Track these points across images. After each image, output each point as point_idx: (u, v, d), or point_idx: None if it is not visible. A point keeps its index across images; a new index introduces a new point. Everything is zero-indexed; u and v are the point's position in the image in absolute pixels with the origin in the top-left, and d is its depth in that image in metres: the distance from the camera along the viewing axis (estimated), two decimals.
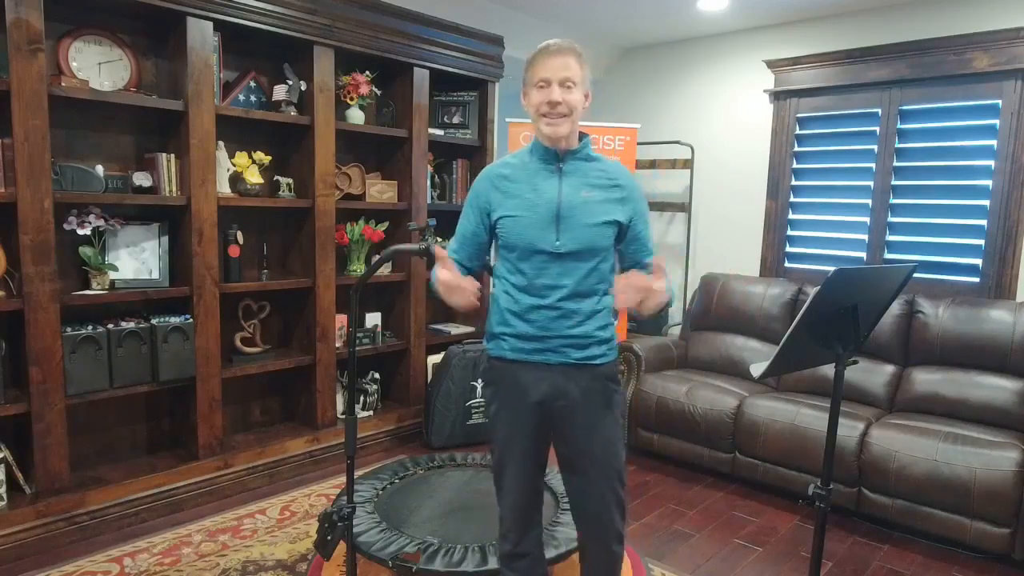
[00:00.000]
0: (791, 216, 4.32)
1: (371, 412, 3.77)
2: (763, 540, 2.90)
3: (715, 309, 4.07)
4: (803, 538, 2.91)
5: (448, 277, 1.65)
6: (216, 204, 2.97)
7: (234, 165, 3.15)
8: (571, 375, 1.74)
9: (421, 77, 3.72)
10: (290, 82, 3.23)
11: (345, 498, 2.20)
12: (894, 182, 3.86)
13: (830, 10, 4.03)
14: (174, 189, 2.89)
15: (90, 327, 2.68)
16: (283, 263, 3.53)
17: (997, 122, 3.54)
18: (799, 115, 4.23)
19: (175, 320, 2.88)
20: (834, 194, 4.13)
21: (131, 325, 2.79)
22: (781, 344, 1.61)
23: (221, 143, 3.08)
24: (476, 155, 4.18)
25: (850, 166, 4.04)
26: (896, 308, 3.44)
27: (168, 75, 2.96)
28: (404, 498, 2.69)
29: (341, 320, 3.55)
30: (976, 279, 3.63)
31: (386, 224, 3.74)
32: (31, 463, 2.60)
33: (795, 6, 3.98)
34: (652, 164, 4.80)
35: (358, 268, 3.64)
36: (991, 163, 3.56)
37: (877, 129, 3.92)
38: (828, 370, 2.37)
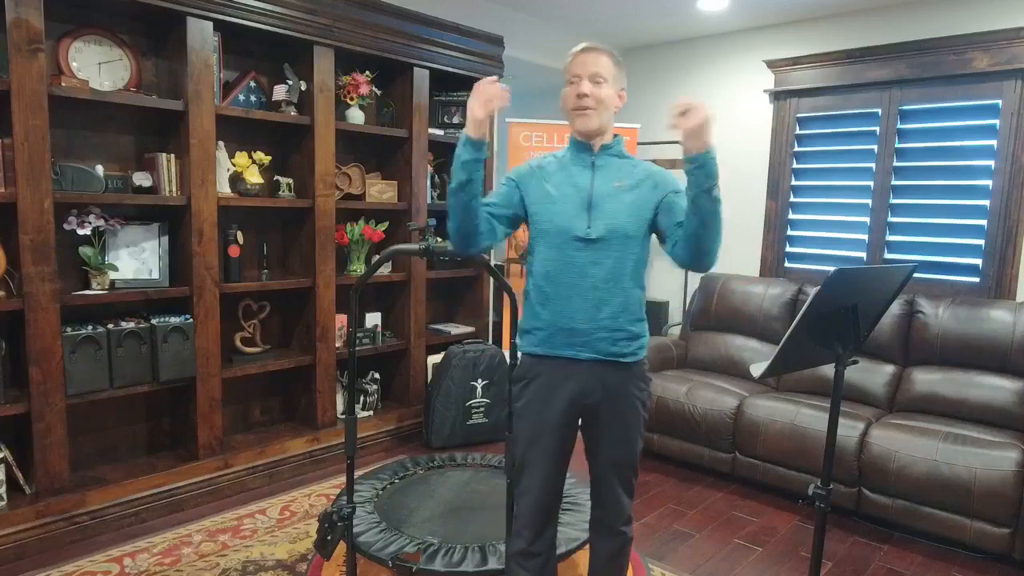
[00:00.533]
0: (791, 216, 4.32)
1: (371, 412, 3.77)
2: (763, 540, 2.90)
3: (715, 309, 4.07)
4: (803, 538, 2.91)
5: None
6: (216, 204, 2.97)
7: (234, 165, 3.15)
8: (600, 373, 1.76)
9: (421, 77, 3.72)
10: (290, 82, 3.23)
11: (345, 498, 2.20)
12: (894, 182, 3.87)
13: (830, 10, 4.03)
14: (174, 189, 2.89)
15: (90, 327, 2.68)
16: (283, 263, 3.53)
17: (997, 122, 3.55)
18: (799, 115, 4.23)
19: (175, 320, 2.88)
20: (834, 194, 4.13)
21: (131, 325, 2.79)
22: (781, 344, 1.61)
23: (221, 143, 3.08)
24: None
25: (850, 166, 4.04)
26: (896, 308, 3.44)
27: (168, 75, 2.96)
28: (404, 498, 2.70)
29: (341, 320, 3.55)
30: (976, 279, 3.63)
31: (386, 224, 3.74)
32: (31, 463, 2.60)
33: (795, 6, 3.98)
34: (652, 163, 4.79)
35: (358, 268, 3.64)
36: (991, 163, 3.56)
37: (877, 129, 3.92)
38: (828, 370, 2.37)
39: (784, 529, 3.01)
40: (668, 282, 4.90)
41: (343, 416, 3.58)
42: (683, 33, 4.65)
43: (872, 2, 3.85)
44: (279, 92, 3.23)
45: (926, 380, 3.29)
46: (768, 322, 3.84)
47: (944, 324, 3.29)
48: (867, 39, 3.94)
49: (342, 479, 3.28)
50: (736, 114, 4.55)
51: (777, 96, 4.32)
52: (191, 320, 2.93)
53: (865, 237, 3.98)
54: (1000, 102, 3.53)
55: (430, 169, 3.96)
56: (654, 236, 1.81)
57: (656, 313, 4.78)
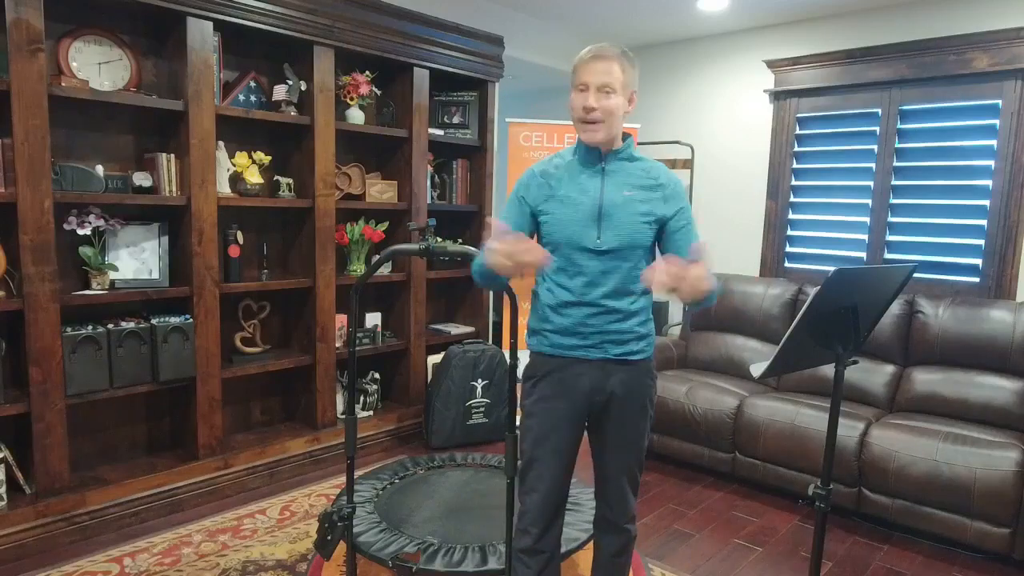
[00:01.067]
0: (791, 216, 4.32)
1: (371, 412, 3.77)
2: (763, 540, 2.90)
3: (715, 309, 4.07)
4: (803, 538, 2.91)
5: (505, 245, 1.51)
6: (216, 204, 2.97)
7: (234, 165, 3.15)
8: (610, 371, 1.78)
9: (421, 77, 3.72)
10: (290, 82, 3.23)
11: (345, 498, 2.20)
12: (894, 182, 3.86)
13: (830, 10, 4.03)
14: (174, 189, 2.89)
15: (90, 327, 2.68)
16: (283, 263, 3.53)
17: (997, 122, 3.54)
18: (799, 115, 4.23)
19: (175, 320, 2.88)
20: (834, 194, 4.13)
21: (131, 325, 2.79)
22: (781, 344, 1.61)
23: (221, 143, 3.08)
24: (476, 155, 4.18)
25: (850, 166, 4.04)
26: (896, 308, 3.44)
27: (168, 75, 2.96)
28: (404, 498, 2.70)
29: (341, 320, 3.55)
30: (976, 279, 3.63)
31: (386, 224, 3.74)
32: (31, 463, 2.60)
33: (795, 6, 3.98)
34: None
35: (358, 268, 3.64)
36: (991, 163, 3.56)
37: (877, 129, 3.92)
38: (828, 370, 2.37)
39: (784, 529, 3.01)
40: None
41: (343, 416, 3.58)
42: (683, 33, 4.65)
43: (872, 2, 3.85)
44: (279, 92, 3.23)
45: (926, 380, 3.29)
46: (768, 322, 3.84)
47: (944, 324, 3.29)
48: (867, 39, 3.94)
49: (342, 479, 3.28)
50: (736, 114, 4.56)
51: (777, 96, 4.32)
52: (191, 320, 2.93)
53: (865, 237, 3.98)
54: (1000, 102, 3.53)
55: (430, 169, 3.96)
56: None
57: (656, 313, 4.75)
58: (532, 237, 1.84)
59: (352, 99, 3.53)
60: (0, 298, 2.49)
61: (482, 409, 3.84)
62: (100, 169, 2.72)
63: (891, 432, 2.95)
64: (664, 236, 1.79)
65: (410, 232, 3.55)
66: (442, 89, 4.05)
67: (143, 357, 2.81)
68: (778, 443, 3.19)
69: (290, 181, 3.37)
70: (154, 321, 2.84)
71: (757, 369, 1.67)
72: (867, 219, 3.97)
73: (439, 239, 3.56)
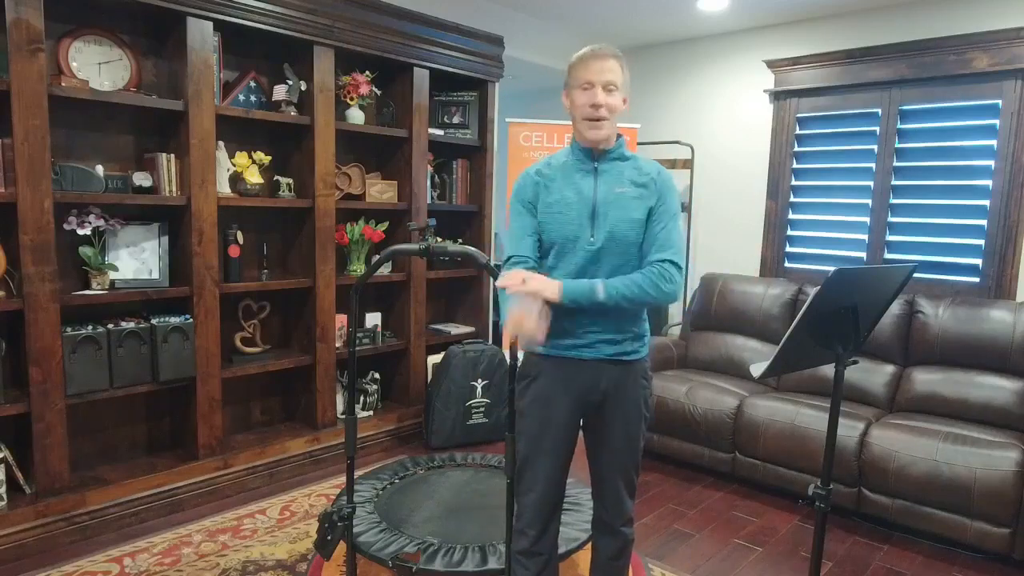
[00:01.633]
0: (791, 216, 4.32)
1: (371, 412, 3.77)
2: (763, 540, 2.90)
3: (715, 309, 4.07)
4: (803, 538, 2.91)
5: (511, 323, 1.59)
6: (216, 204, 2.97)
7: (234, 165, 3.15)
8: (605, 371, 1.78)
9: (421, 77, 3.72)
10: (290, 82, 3.23)
11: (345, 498, 2.20)
12: (894, 182, 3.87)
13: (830, 10, 4.03)
14: (174, 189, 2.89)
15: (90, 327, 2.68)
16: (283, 263, 3.53)
17: (997, 122, 3.55)
18: (799, 115, 4.23)
19: (175, 320, 2.88)
20: (834, 194, 4.13)
21: (131, 325, 2.79)
22: (781, 344, 1.61)
23: (221, 143, 3.08)
24: (476, 155, 4.18)
25: (850, 166, 4.04)
26: (896, 308, 3.44)
27: (168, 75, 2.96)
28: (404, 498, 2.70)
29: (341, 320, 3.55)
30: (976, 279, 3.63)
31: (386, 224, 3.74)
32: (31, 463, 2.60)
33: (795, 6, 3.98)
34: (655, 163, 4.79)
35: (358, 268, 3.64)
36: (991, 163, 3.56)
37: (877, 129, 3.92)
38: (828, 370, 2.37)
39: (784, 529, 3.01)
40: None
41: (343, 416, 3.58)
42: (683, 33, 4.65)
43: (872, 2, 3.85)
44: (279, 92, 3.23)
45: (926, 380, 3.29)
46: (768, 322, 3.84)
47: (944, 324, 3.29)
48: (867, 39, 3.94)
49: (342, 479, 3.28)
50: (736, 114, 4.56)
51: (777, 96, 4.32)
52: (191, 320, 2.93)
53: (865, 237, 3.98)
54: (1000, 102, 3.53)
55: (430, 169, 3.96)
56: None
57: (656, 313, 4.78)
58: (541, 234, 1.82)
59: (352, 99, 3.53)
60: (0, 298, 2.49)
61: (482, 409, 3.84)
62: (100, 169, 2.72)
63: (891, 432, 2.95)
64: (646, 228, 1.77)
65: (410, 232, 3.55)
66: (442, 89, 4.05)
67: (143, 357, 2.81)
68: (778, 443, 3.19)
69: (290, 181, 3.37)
70: (154, 321, 2.84)
71: (757, 369, 1.67)
72: (867, 219, 3.97)
73: (439, 239, 3.58)
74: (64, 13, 2.69)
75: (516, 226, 1.83)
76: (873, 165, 3.93)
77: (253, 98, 3.22)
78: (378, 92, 3.75)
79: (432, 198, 4.01)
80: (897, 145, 3.85)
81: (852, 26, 4.03)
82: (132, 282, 2.87)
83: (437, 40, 3.71)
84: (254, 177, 3.17)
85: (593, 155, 1.79)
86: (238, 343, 3.30)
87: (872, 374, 3.44)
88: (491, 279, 1.90)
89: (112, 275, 2.81)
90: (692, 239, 4.77)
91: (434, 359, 3.97)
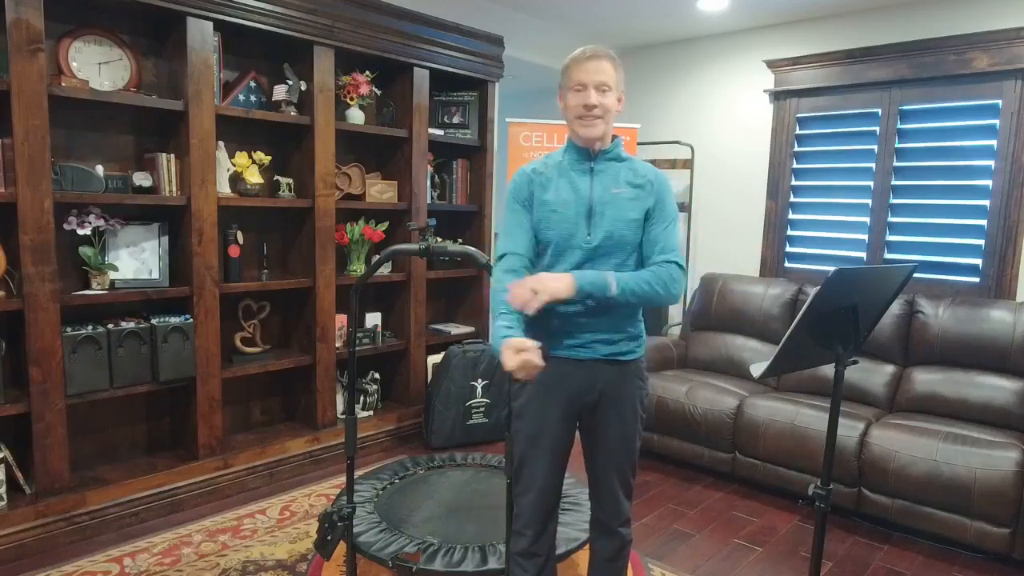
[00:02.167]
0: (791, 216, 4.32)
1: (371, 412, 3.77)
2: (763, 540, 2.90)
3: (715, 309, 4.07)
4: (803, 538, 2.91)
5: (508, 362, 1.54)
6: (216, 204, 2.97)
7: (234, 165, 3.15)
8: (600, 371, 1.78)
9: (421, 77, 3.72)
10: (290, 82, 3.23)
11: (345, 498, 2.20)
12: (894, 182, 3.86)
13: (830, 10, 4.03)
14: (174, 189, 2.89)
15: (90, 327, 2.68)
16: (283, 263, 3.53)
17: (997, 122, 3.54)
18: (799, 115, 4.23)
19: (175, 320, 2.88)
20: (834, 194, 4.13)
21: (131, 325, 2.79)
22: (781, 344, 1.61)
23: (221, 143, 3.08)
24: (476, 155, 4.18)
25: (850, 166, 4.04)
26: (896, 308, 3.44)
27: (168, 75, 2.96)
28: (404, 498, 2.70)
29: (341, 320, 3.55)
30: (976, 279, 3.63)
31: (386, 224, 3.74)
32: (31, 463, 2.60)
33: (795, 6, 3.98)
34: (652, 164, 4.79)
35: (358, 268, 3.64)
36: (991, 163, 3.56)
37: (877, 129, 3.92)
38: (828, 370, 2.37)
39: (784, 529, 3.01)
40: None
41: (343, 416, 3.58)
42: (683, 33, 4.65)
43: (872, 2, 3.85)
44: (279, 92, 3.23)
45: (926, 380, 3.29)
46: (768, 322, 3.84)
47: (944, 324, 3.29)
48: (867, 39, 3.94)
49: (342, 479, 3.28)
50: (736, 114, 4.55)
51: (777, 96, 4.32)
52: (191, 320, 2.93)
53: (865, 237, 3.98)
54: (1000, 102, 3.53)
55: (430, 169, 3.96)
56: None
57: (656, 313, 4.77)
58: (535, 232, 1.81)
59: (352, 99, 3.53)
60: (0, 298, 2.49)
61: (482, 409, 3.84)
62: (100, 169, 2.72)
63: (891, 432, 2.95)
64: (644, 231, 1.78)
65: (410, 232, 3.56)
66: (442, 89, 4.05)
67: (143, 357, 2.81)
68: (778, 443, 3.19)
69: (290, 181, 3.37)
70: (154, 321, 2.84)
71: (757, 369, 1.67)
72: (867, 219, 3.97)
73: (439, 239, 3.58)
74: (64, 13, 2.69)
75: (511, 223, 1.83)
76: (873, 165, 3.93)
77: (253, 98, 3.22)
78: (378, 92, 3.75)
79: (432, 198, 4.01)
80: (897, 145, 3.85)
81: (852, 26, 4.03)
82: (132, 282, 2.87)
83: (437, 40, 3.71)
84: (254, 177, 3.17)
85: (589, 155, 1.80)
86: (238, 343, 3.30)
87: (872, 374, 3.44)
88: (491, 279, 1.89)
89: (112, 275, 2.81)
90: (692, 239, 4.77)
91: (434, 359, 3.97)
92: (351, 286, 2.83)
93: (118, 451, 3.04)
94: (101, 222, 2.75)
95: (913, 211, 3.83)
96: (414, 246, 2.07)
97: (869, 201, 3.95)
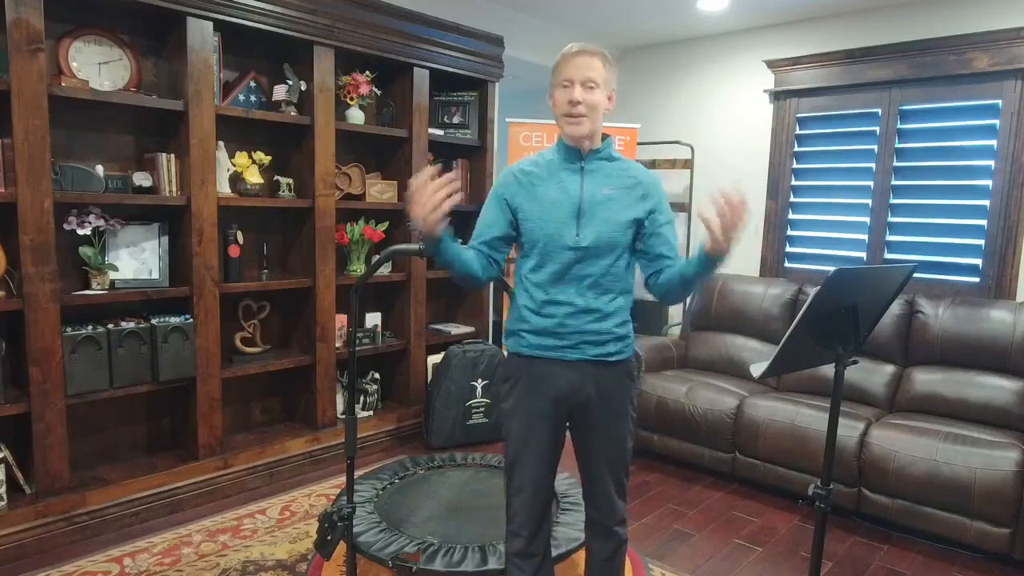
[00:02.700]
0: (791, 216, 4.32)
1: (371, 412, 3.77)
2: (763, 540, 2.90)
3: (715, 309, 4.07)
4: (803, 538, 2.91)
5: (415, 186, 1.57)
6: (216, 204, 2.97)
7: (234, 165, 3.15)
8: (589, 371, 1.77)
9: (421, 77, 3.72)
10: (290, 82, 3.23)
11: (345, 498, 2.20)
12: (894, 182, 3.87)
13: (830, 10, 4.03)
14: (174, 189, 2.89)
15: (90, 327, 2.68)
16: (283, 263, 3.53)
17: (997, 122, 3.55)
18: (799, 115, 4.23)
19: (175, 320, 2.88)
20: (834, 194, 4.13)
21: (131, 325, 2.79)
22: (781, 344, 1.61)
23: (221, 143, 3.08)
24: (476, 155, 4.18)
25: (850, 166, 4.04)
26: (896, 308, 3.44)
27: (168, 75, 2.96)
28: (404, 498, 2.69)
29: (341, 320, 3.55)
30: (976, 279, 3.63)
31: (386, 224, 3.74)
32: (31, 463, 2.60)
33: (795, 6, 3.98)
34: (652, 164, 4.80)
35: (358, 268, 3.64)
36: (991, 163, 3.56)
37: (877, 129, 3.92)
38: (828, 370, 2.37)
39: (784, 529, 3.01)
40: None
41: (343, 416, 3.58)
42: (683, 33, 4.65)
43: (872, 2, 3.85)
44: (279, 92, 3.23)
45: (926, 380, 3.29)
46: (768, 322, 3.84)
47: (944, 324, 3.29)
48: (867, 39, 3.94)
49: (342, 479, 3.27)
50: (736, 114, 4.55)
51: (777, 96, 4.32)
52: (191, 320, 2.93)
53: (865, 237, 3.98)
54: (1000, 102, 3.53)
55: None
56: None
57: (656, 313, 4.78)
58: (511, 235, 1.83)
59: (352, 99, 3.53)
60: (0, 298, 2.49)
61: (482, 409, 3.84)
62: (100, 169, 2.72)
63: (891, 432, 2.95)
64: (642, 237, 1.79)
65: (410, 232, 3.55)
66: (442, 89, 4.05)
67: (143, 357, 2.81)
68: (778, 443, 3.19)
69: (290, 181, 3.37)
70: (154, 321, 2.84)
71: (757, 369, 1.67)
72: (867, 219, 3.97)
73: None
74: (64, 13, 2.69)
75: (487, 217, 1.84)
76: (873, 165, 3.93)
77: (253, 98, 3.22)
78: (378, 92, 3.75)
79: None
80: (897, 145, 3.85)
81: (852, 26, 4.03)
82: (132, 282, 2.87)
83: (437, 40, 3.71)
84: (254, 177, 3.17)
85: (580, 154, 1.78)
86: (238, 343, 3.30)
87: (872, 374, 3.44)
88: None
89: (112, 275, 2.81)
90: (692, 239, 4.77)
91: (434, 359, 3.97)
92: (351, 286, 2.83)
93: (118, 451, 3.04)
94: (101, 222, 2.75)
95: (913, 211, 3.83)
96: (414, 246, 2.06)
97: (869, 201, 3.95)
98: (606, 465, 1.82)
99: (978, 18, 3.58)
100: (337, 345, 3.50)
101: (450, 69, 3.82)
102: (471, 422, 3.81)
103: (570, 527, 2.42)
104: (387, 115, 3.78)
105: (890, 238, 3.91)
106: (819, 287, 1.54)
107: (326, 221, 3.37)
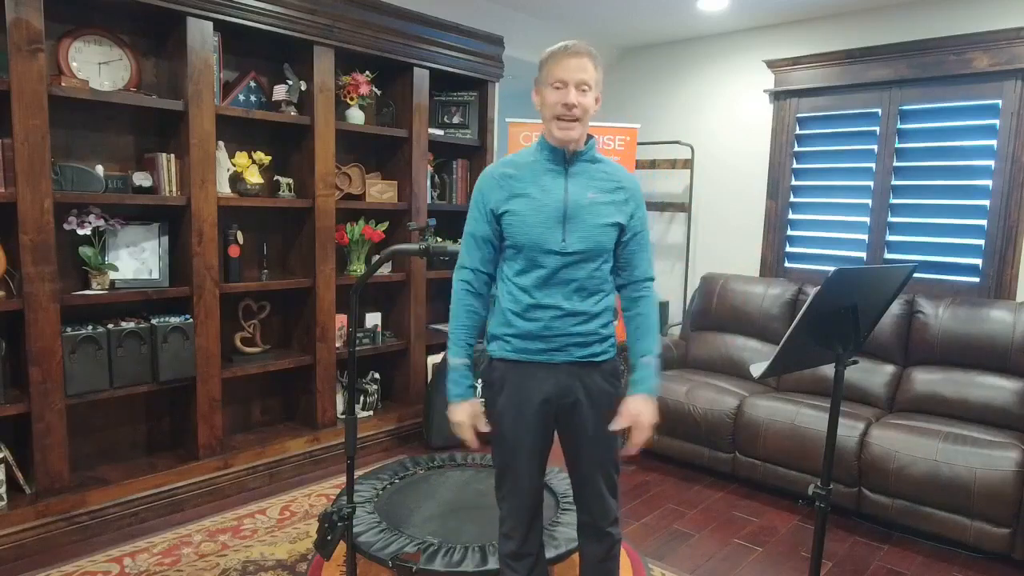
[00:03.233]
0: (791, 216, 4.32)
1: (371, 412, 3.77)
2: (763, 540, 2.90)
3: (715, 309, 4.07)
4: (803, 538, 2.91)
5: (460, 418, 1.80)
6: (216, 204, 2.97)
7: (234, 165, 3.15)
8: (575, 373, 1.76)
9: (421, 77, 3.72)
10: (290, 82, 3.23)
11: (345, 498, 2.20)
12: (894, 182, 3.86)
13: (830, 10, 4.03)
14: (174, 189, 2.89)
15: (90, 327, 2.68)
16: (283, 263, 3.53)
17: (997, 122, 3.54)
18: (799, 115, 4.23)
19: (175, 320, 2.88)
20: (834, 194, 4.13)
21: (131, 325, 2.79)
22: (781, 344, 1.61)
23: (221, 143, 3.08)
24: (476, 155, 4.18)
25: (850, 166, 4.04)
26: (896, 308, 3.44)
27: (168, 75, 2.96)
28: (404, 498, 2.69)
29: (341, 320, 3.55)
30: (976, 279, 3.63)
31: (386, 224, 3.74)
32: (31, 463, 2.60)
33: (795, 6, 3.98)
34: (652, 164, 4.80)
35: (358, 268, 3.64)
36: (991, 163, 3.56)
37: (877, 129, 3.92)
38: (828, 370, 2.37)
39: (784, 529, 3.01)
40: (668, 282, 4.90)
41: (343, 416, 3.58)
42: (683, 33, 4.64)
43: (872, 2, 3.84)
44: (279, 92, 3.23)
45: (926, 380, 3.29)
46: (768, 322, 3.84)
47: (944, 324, 3.29)
48: (867, 39, 3.94)
49: (342, 479, 3.28)
50: (736, 114, 4.55)
51: (777, 96, 4.32)
52: (191, 320, 2.93)
53: (865, 237, 3.98)
54: (1000, 102, 3.53)
55: (430, 169, 3.96)
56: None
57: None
58: (501, 241, 1.80)
59: (352, 99, 3.53)
60: (0, 298, 2.49)
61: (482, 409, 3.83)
62: (100, 169, 2.72)
63: (891, 432, 2.95)
64: (619, 244, 1.78)
65: (410, 232, 3.55)
66: (442, 89, 4.05)
67: (143, 357, 2.81)
68: (778, 443, 3.19)
69: (290, 181, 3.37)
70: (154, 321, 2.84)
71: (757, 369, 1.67)
72: (867, 219, 3.97)
73: (439, 239, 3.58)
74: (64, 13, 2.69)
75: (473, 233, 1.81)
76: (873, 165, 3.93)
77: (253, 98, 3.22)
78: (378, 92, 3.75)
79: (432, 198, 4.01)
80: (897, 145, 3.85)
81: (852, 26, 4.03)
82: (132, 282, 2.87)
83: (437, 40, 3.71)
84: (254, 177, 3.17)
85: (564, 156, 1.74)
86: (238, 343, 3.30)
87: (872, 374, 3.44)
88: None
89: (112, 275, 2.81)
90: (692, 239, 4.77)
91: (434, 359, 3.97)
92: (351, 286, 2.83)
93: (118, 451, 3.04)
94: (101, 222, 2.75)
95: (913, 211, 3.83)
96: (414, 246, 2.07)
97: (869, 201, 3.95)
98: (596, 465, 1.81)
99: (978, 18, 3.58)
100: (337, 345, 3.50)
101: (450, 69, 3.82)
102: None
103: (570, 527, 2.42)
104: (387, 115, 3.78)
105: (890, 238, 3.91)
106: (819, 287, 1.54)
107: (326, 221, 3.37)
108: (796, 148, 4.26)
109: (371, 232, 3.63)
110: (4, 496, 2.56)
